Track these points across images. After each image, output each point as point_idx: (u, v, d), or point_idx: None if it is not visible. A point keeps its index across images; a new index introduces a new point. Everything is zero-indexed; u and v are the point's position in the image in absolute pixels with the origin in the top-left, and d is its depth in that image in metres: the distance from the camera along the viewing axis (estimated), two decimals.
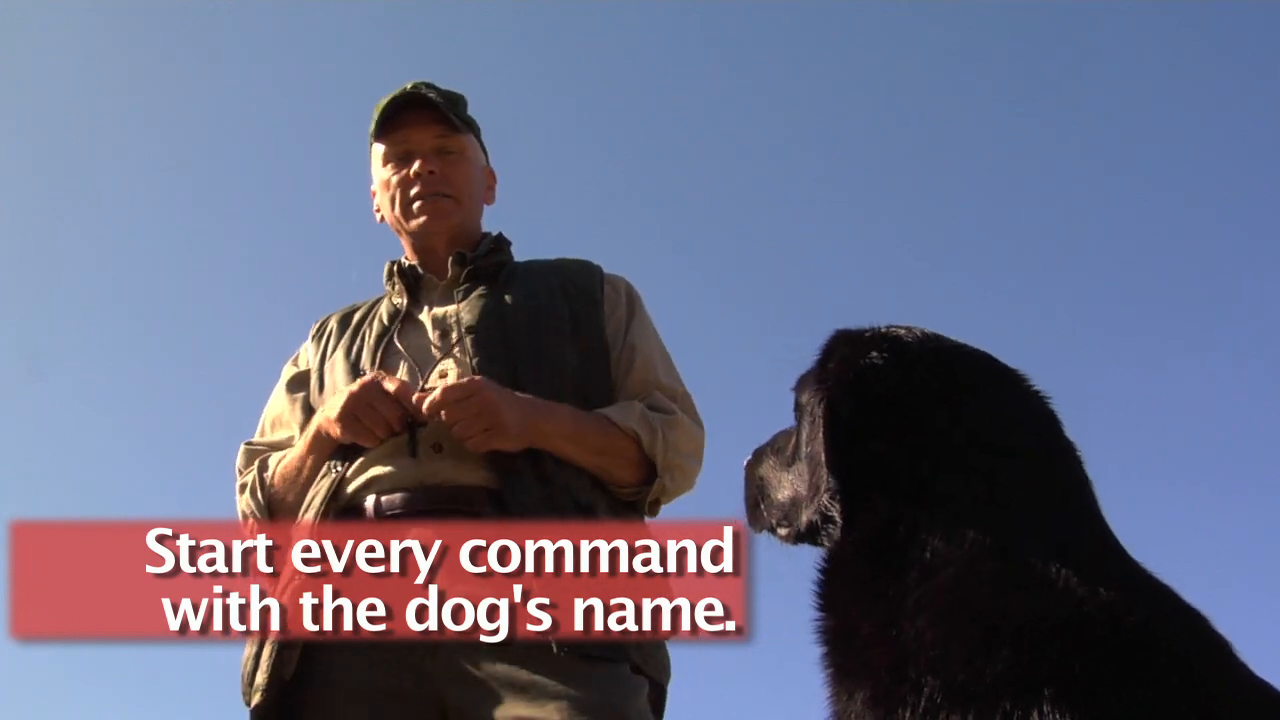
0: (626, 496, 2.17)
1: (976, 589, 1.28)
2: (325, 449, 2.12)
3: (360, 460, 2.07)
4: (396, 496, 2.02)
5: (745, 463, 1.71)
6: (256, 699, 1.94)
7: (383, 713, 1.92)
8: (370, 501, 2.03)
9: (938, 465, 1.38)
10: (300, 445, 2.17)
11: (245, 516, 2.20)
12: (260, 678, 1.95)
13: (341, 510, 2.04)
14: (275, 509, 2.18)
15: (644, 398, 2.21)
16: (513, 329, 2.17)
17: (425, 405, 2.02)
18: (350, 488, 2.06)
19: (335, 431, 2.07)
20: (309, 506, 2.08)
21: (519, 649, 1.86)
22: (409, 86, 2.35)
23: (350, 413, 2.04)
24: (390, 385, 2.05)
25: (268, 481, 2.19)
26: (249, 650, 2.03)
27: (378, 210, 2.42)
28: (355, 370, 2.21)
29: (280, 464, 2.20)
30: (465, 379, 2.05)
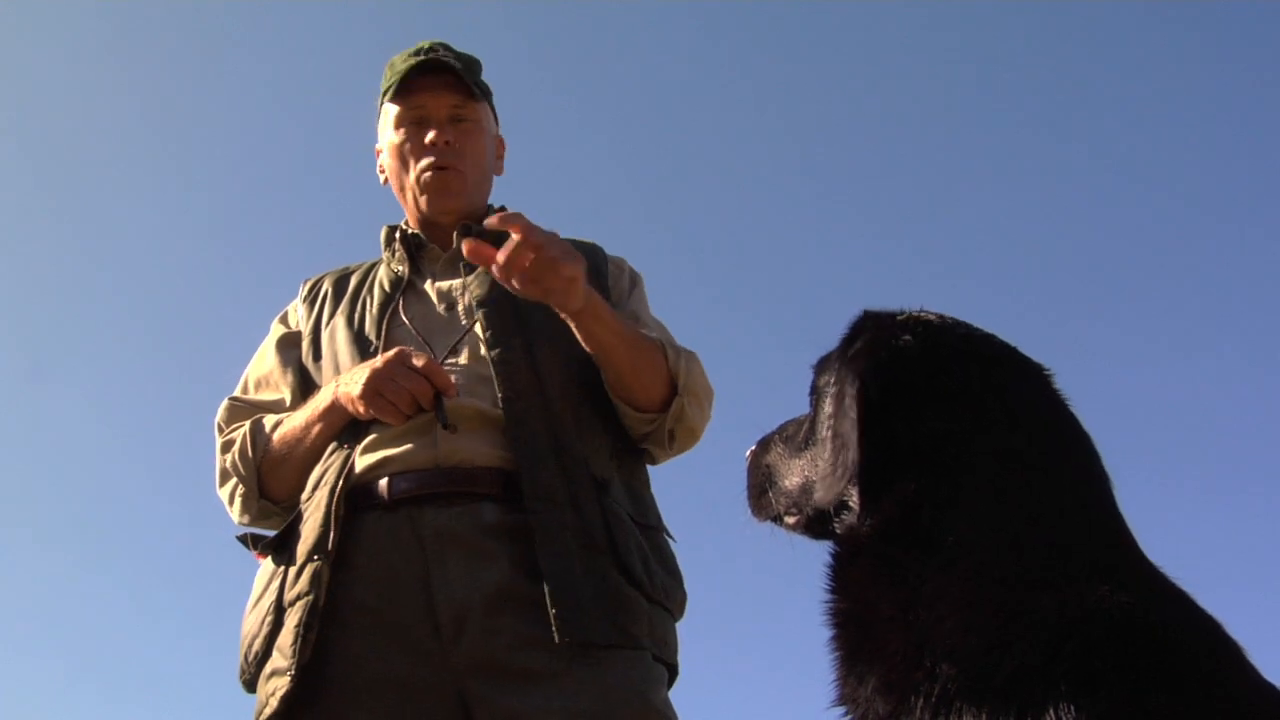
0: (644, 426, 2.10)
1: (999, 580, 1.26)
2: (338, 421, 2.06)
3: (372, 438, 2.02)
4: (411, 477, 1.97)
5: (749, 452, 1.68)
6: (284, 685, 1.88)
7: (400, 702, 1.87)
8: (384, 483, 1.97)
9: (966, 452, 1.37)
10: (308, 411, 2.10)
11: (227, 474, 2.14)
12: (284, 661, 1.90)
13: (353, 491, 1.98)
14: (268, 471, 2.11)
15: None
16: (523, 303, 2.11)
17: (515, 234, 1.86)
18: (361, 467, 2.00)
19: (359, 408, 2.00)
20: (320, 485, 2.02)
21: (545, 639, 1.84)
22: (426, 45, 2.28)
23: (374, 389, 1.97)
24: (418, 360, 1.99)
25: (262, 443, 2.12)
26: (254, 628, 1.99)
27: (382, 171, 2.35)
28: (360, 339, 2.15)
29: (282, 428, 2.12)
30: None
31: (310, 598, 1.90)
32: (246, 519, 2.14)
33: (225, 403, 2.25)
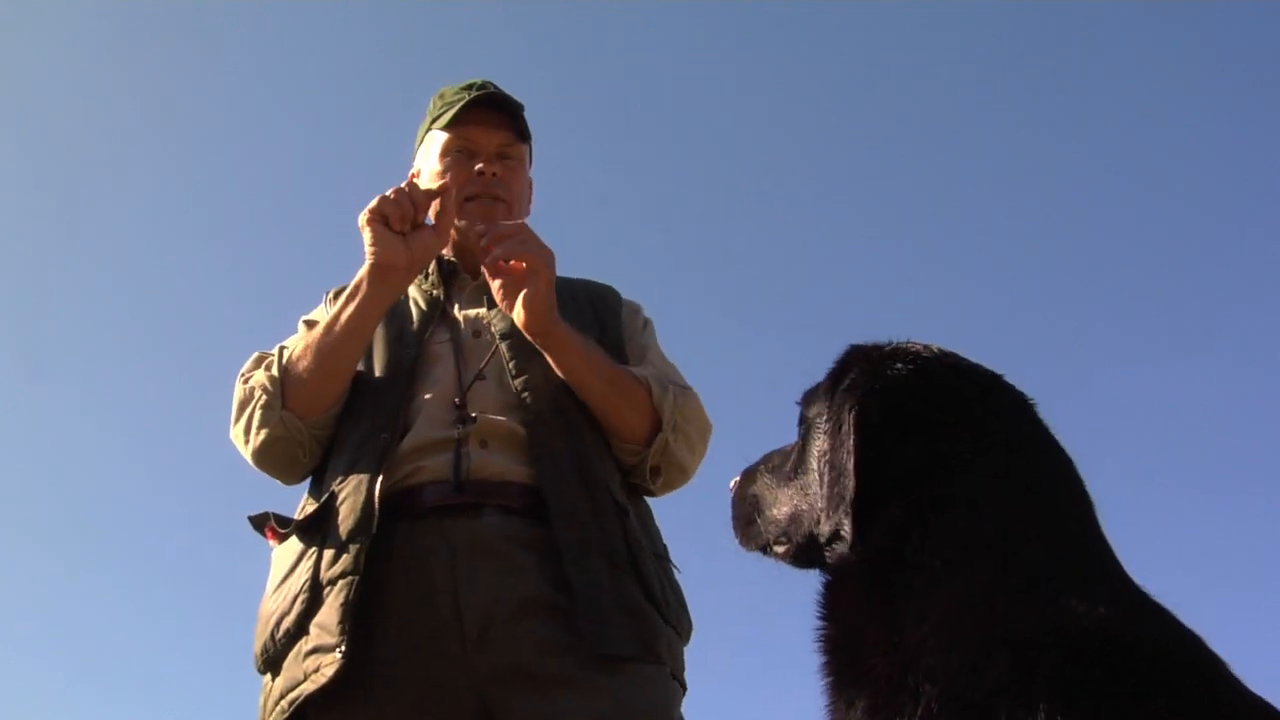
0: (629, 458, 2.17)
1: (980, 601, 1.28)
2: (370, 302, 2.08)
3: (410, 447, 2.04)
4: (442, 488, 2.00)
5: (732, 484, 1.71)
6: (334, 662, 1.85)
7: (424, 705, 1.88)
8: (415, 493, 2.00)
9: (952, 479, 1.39)
10: (334, 307, 2.12)
11: (249, 397, 2.11)
12: (329, 639, 1.88)
13: (390, 494, 1.98)
14: (292, 382, 2.09)
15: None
16: None
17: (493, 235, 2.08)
18: (394, 476, 2.01)
19: (365, 236, 2.07)
20: (355, 468, 2.02)
21: (570, 647, 1.87)
22: (479, 82, 2.38)
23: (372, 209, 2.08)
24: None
25: (287, 356, 2.12)
26: (284, 606, 1.97)
27: None
28: (402, 339, 2.20)
29: (306, 338, 2.14)
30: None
31: (355, 578, 1.90)
32: (262, 437, 2.09)
33: (253, 355, 2.23)
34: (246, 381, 2.15)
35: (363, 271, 2.08)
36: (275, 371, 2.11)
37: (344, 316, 2.07)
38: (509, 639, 1.89)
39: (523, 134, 2.39)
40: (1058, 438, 1.48)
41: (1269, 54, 7.29)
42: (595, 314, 2.33)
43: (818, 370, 1.60)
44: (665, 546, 2.20)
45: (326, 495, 2.03)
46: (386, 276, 2.07)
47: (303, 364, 2.09)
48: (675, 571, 2.18)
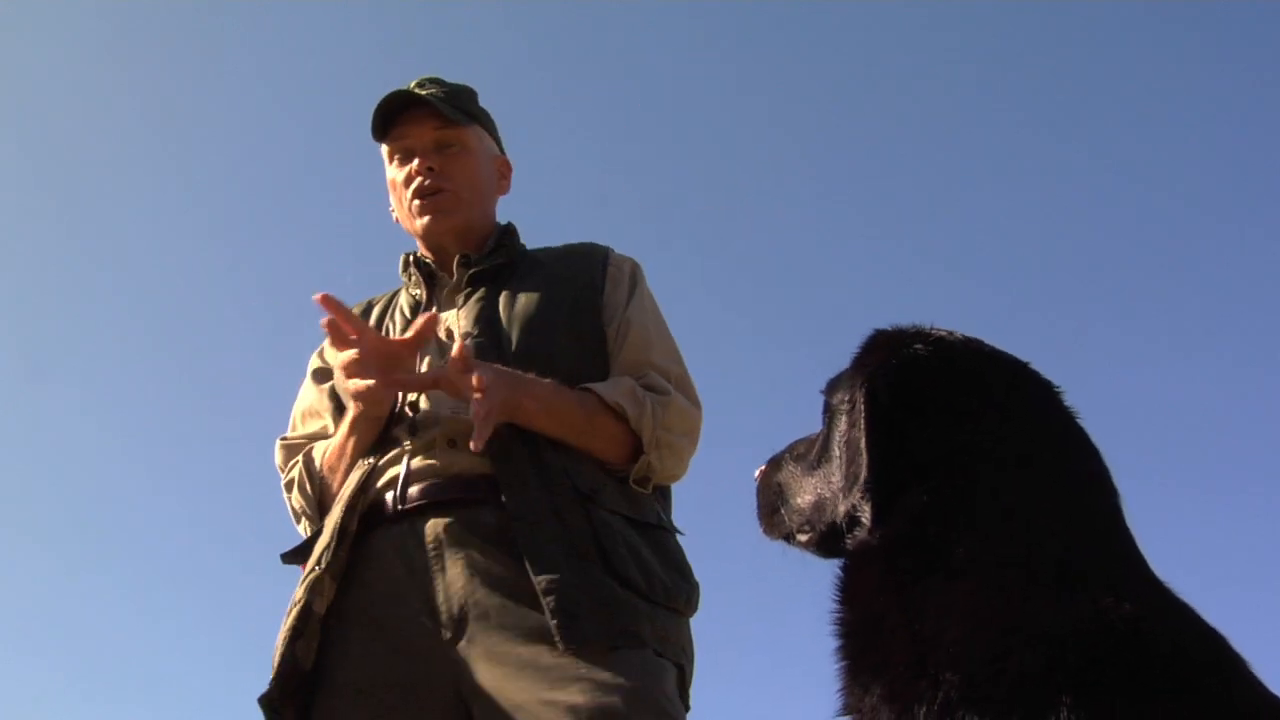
0: (616, 472, 2.15)
1: (1004, 592, 1.27)
2: (365, 431, 2.13)
3: (391, 454, 2.09)
4: (416, 488, 2.04)
5: (758, 472, 1.69)
6: (266, 689, 1.96)
7: (399, 704, 1.92)
8: (390, 497, 2.06)
9: (976, 464, 1.38)
10: (340, 431, 2.17)
11: (298, 514, 2.23)
12: (273, 667, 1.97)
13: (366, 510, 2.06)
14: (325, 498, 2.18)
15: (639, 376, 2.20)
16: (504, 330, 2.20)
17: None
18: (377, 484, 2.08)
19: (353, 407, 2.10)
20: (338, 500, 2.09)
21: (543, 634, 1.88)
22: (412, 85, 2.37)
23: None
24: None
25: (315, 473, 2.20)
26: (282, 634, 2.03)
27: (392, 209, 2.44)
28: None
29: (324, 453, 2.20)
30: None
31: (302, 604, 1.99)
32: (307, 529, 2.21)
33: (278, 445, 2.33)
34: (289, 490, 2.23)
35: (354, 414, 2.12)
36: (310, 491, 2.18)
37: (348, 449, 2.14)
38: (484, 630, 1.92)
39: (452, 118, 2.33)
40: (1083, 426, 1.45)
41: (1269, 54, 7.30)
42: (573, 295, 2.27)
43: (821, 370, 1.61)
44: (658, 513, 2.17)
45: (326, 515, 2.13)
46: (375, 418, 2.12)
47: (332, 486, 2.16)
48: (679, 537, 2.17)
